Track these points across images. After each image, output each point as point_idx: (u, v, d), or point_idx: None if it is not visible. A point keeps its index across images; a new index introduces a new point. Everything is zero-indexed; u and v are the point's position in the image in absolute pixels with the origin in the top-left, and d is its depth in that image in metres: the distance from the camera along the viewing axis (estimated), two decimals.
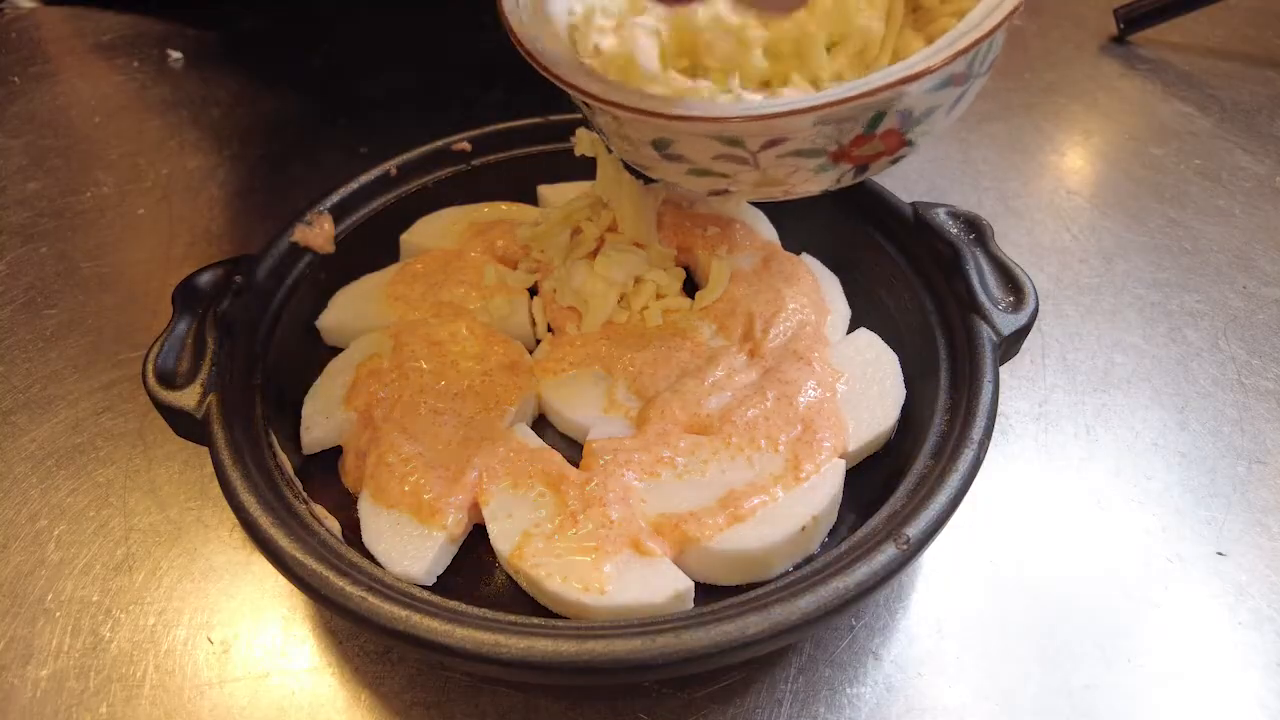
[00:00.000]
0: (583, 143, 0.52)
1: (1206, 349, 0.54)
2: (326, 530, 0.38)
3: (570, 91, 0.38)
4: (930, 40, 0.37)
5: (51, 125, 0.74)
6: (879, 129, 0.37)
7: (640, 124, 0.38)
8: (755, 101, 0.37)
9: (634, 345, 0.46)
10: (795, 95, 0.37)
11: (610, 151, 0.48)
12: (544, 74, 0.39)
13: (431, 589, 0.37)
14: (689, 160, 0.39)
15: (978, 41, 0.34)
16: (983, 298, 0.43)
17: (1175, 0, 0.81)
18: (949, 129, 0.42)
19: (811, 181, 0.40)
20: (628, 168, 0.49)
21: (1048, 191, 0.67)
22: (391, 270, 0.51)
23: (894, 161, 0.40)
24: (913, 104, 0.37)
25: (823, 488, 0.39)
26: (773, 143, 0.36)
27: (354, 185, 0.51)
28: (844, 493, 0.41)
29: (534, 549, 0.37)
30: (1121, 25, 0.84)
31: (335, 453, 0.44)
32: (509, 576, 0.39)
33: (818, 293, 0.49)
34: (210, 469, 0.37)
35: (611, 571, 0.36)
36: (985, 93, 0.42)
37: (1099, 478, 0.47)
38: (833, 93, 0.35)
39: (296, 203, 0.50)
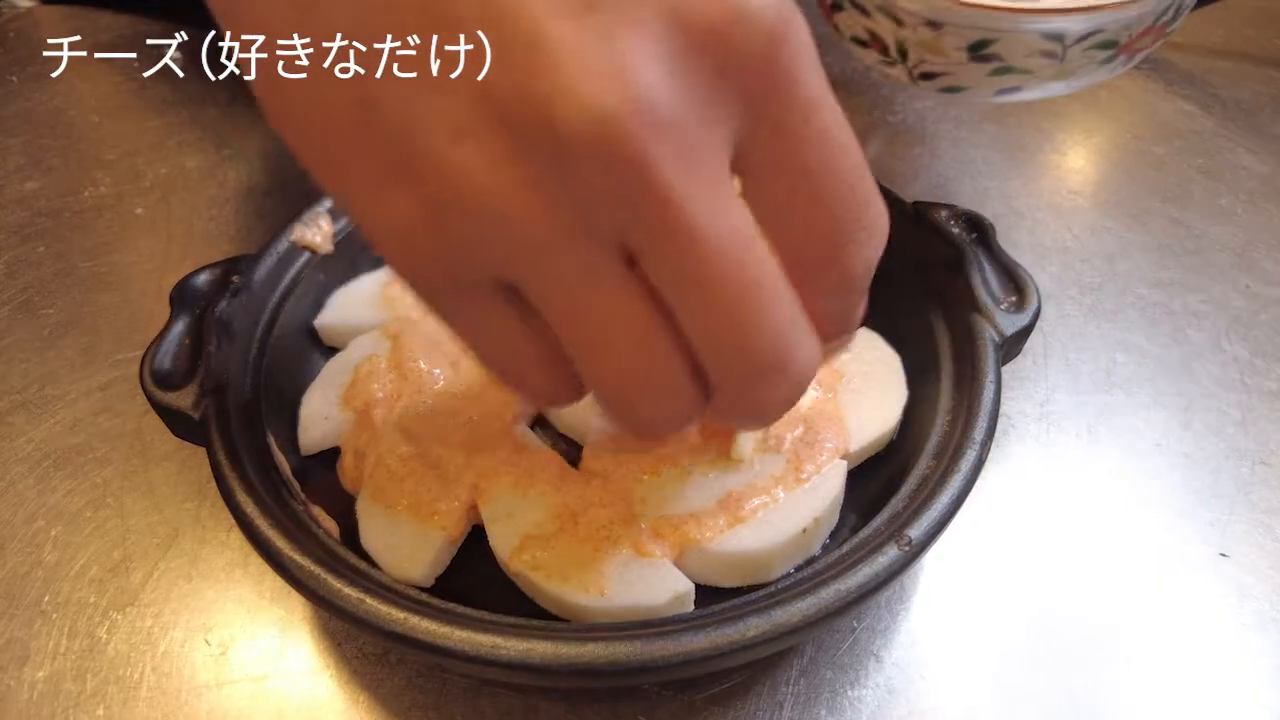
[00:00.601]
0: None
1: (1209, 349, 0.54)
2: (324, 532, 0.38)
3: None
4: None
5: (49, 125, 0.74)
6: (1161, 20, 0.42)
7: (965, 31, 0.44)
8: None
9: None
10: None
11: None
12: None
13: (430, 591, 0.37)
14: (1001, 59, 0.45)
15: None
16: (985, 298, 0.42)
17: None
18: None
19: (1095, 74, 0.46)
20: None
21: (1049, 191, 0.67)
22: (391, 270, 0.51)
23: (1152, 50, 0.47)
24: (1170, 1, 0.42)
25: (824, 489, 0.39)
26: (1090, 34, 0.42)
27: None
28: (845, 494, 0.41)
29: (533, 550, 0.37)
30: None
31: (333, 453, 0.44)
32: (508, 578, 0.39)
33: None
34: (208, 470, 0.37)
35: (611, 573, 0.36)
36: None
37: (1101, 478, 0.47)
38: None
39: (295, 203, 0.50)
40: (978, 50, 0.46)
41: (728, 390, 0.26)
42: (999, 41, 0.45)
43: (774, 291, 0.24)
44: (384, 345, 0.46)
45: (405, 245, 0.25)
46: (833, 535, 0.41)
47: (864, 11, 0.50)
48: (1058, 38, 0.43)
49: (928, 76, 0.52)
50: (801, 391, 0.27)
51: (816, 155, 0.24)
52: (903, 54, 0.51)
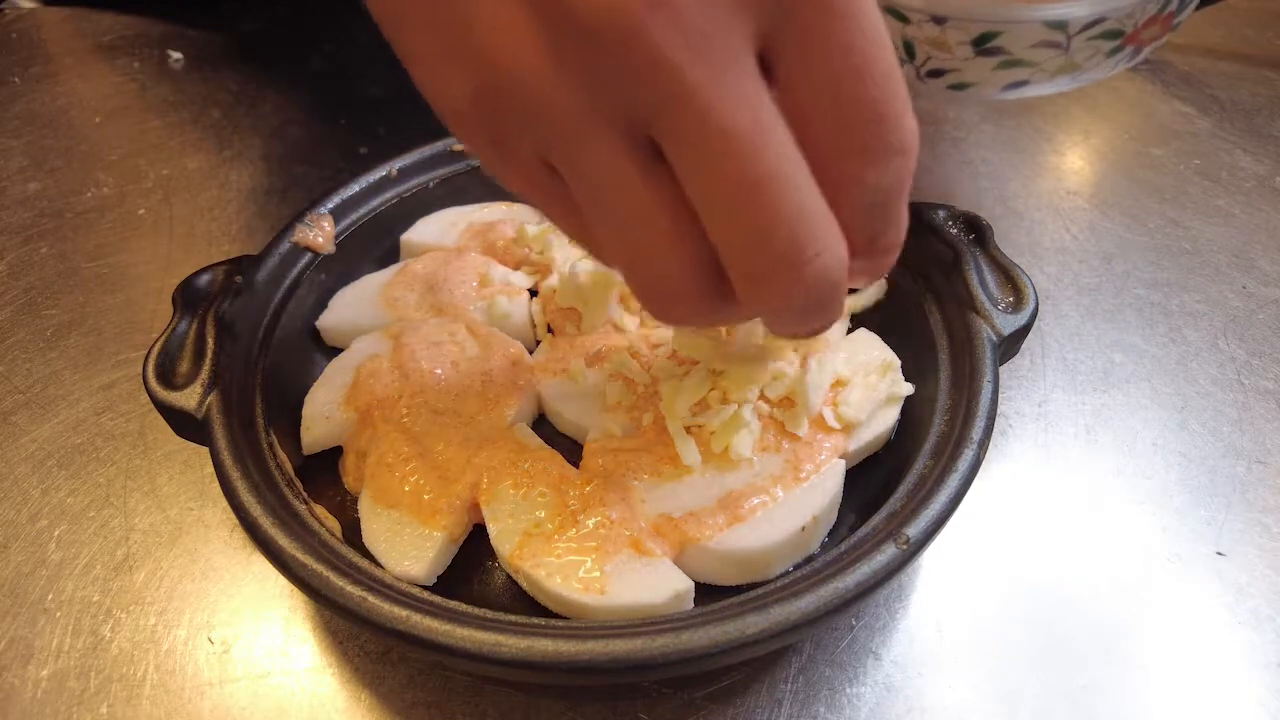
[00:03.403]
0: None
1: (1206, 349, 0.54)
2: (327, 530, 0.38)
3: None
4: None
5: (52, 126, 0.74)
6: (1166, 9, 0.42)
7: (969, 25, 0.44)
8: None
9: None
10: None
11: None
12: None
13: (432, 589, 0.37)
14: (1006, 52, 0.45)
15: None
16: (982, 298, 0.43)
17: None
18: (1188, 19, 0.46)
19: (1101, 66, 0.45)
20: None
21: (1047, 192, 0.67)
22: (391, 270, 0.51)
23: (1157, 45, 0.45)
24: None
25: (822, 488, 0.39)
26: (1094, 23, 0.42)
27: (354, 186, 0.51)
28: (844, 493, 0.41)
29: (534, 549, 0.37)
30: None
31: (335, 453, 0.44)
32: (509, 576, 0.39)
33: None
34: (210, 469, 0.37)
35: (611, 571, 0.36)
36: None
37: (1098, 477, 0.47)
38: None
39: (297, 203, 0.50)
40: (982, 44, 0.46)
41: (746, 280, 0.26)
42: (1003, 34, 0.45)
43: (791, 182, 0.24)
44: (385, 345, 0.46)
45: (462, 123, 0.28)
46: (831, 534, 0.41)
47: None
48: (1061, 26, 0.43)
49: (935, 74, 0.52)
50: (829, 298, 0.27)
51: (844, 59, 0.24)
52: (910, 52, 0.50)
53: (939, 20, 0.46)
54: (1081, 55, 0.45)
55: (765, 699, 0.38)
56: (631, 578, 0.36)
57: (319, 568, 0.34)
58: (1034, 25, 0.44)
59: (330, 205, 0.50)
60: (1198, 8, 0.81)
